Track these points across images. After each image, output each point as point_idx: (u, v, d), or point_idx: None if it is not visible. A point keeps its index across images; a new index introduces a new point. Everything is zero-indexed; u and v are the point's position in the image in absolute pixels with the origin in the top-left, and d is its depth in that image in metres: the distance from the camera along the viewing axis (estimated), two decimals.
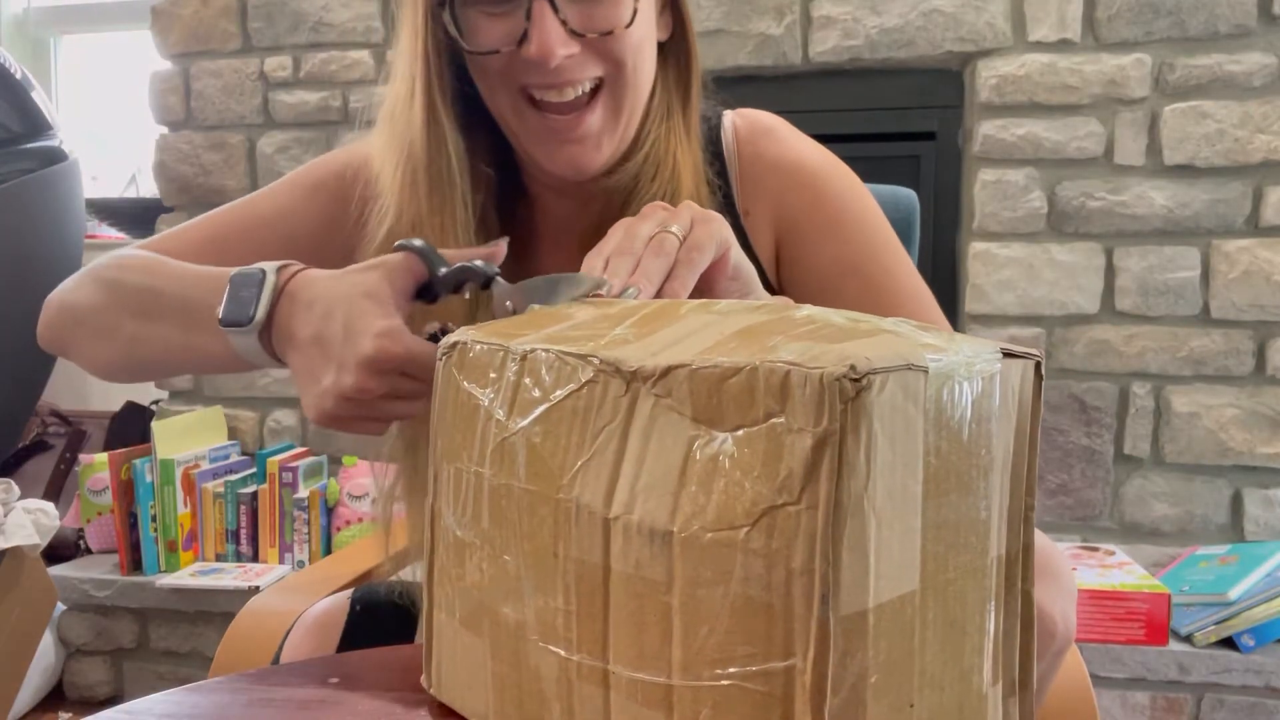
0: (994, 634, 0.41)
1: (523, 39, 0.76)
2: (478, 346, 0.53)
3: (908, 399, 0.36)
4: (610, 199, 0.84)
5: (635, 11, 0.78)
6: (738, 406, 0.38)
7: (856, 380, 0.35)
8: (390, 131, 0.84)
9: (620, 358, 0.44)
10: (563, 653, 0.46)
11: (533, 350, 0.49)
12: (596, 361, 0.45)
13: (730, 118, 0.90)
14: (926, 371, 0.37)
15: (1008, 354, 0.41)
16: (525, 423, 0.48)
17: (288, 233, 0.90)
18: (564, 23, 0.76)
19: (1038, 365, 0.42)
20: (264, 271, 0.71)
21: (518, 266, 0.85)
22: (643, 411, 0.42)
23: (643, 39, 0.81)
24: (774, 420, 0.37)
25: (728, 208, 0.87)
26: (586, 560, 0.44)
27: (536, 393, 0.48)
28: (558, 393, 0.46)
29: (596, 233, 0.83)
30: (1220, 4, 1.93)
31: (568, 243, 0.89)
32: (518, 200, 0.90)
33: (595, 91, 0.80)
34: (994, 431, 0.40)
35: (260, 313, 0.69)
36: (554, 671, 0.46)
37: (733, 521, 0.38)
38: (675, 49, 0.86)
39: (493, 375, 0.51)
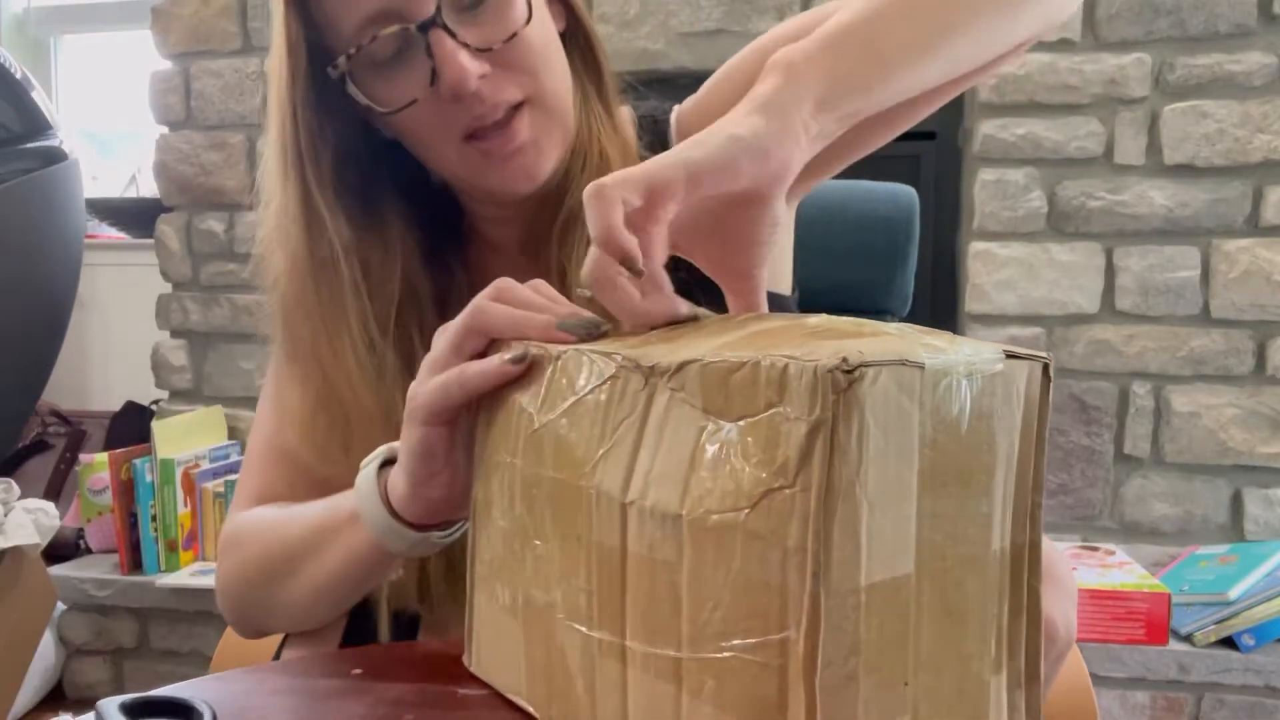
0: (997, 626, 0.43)
1: (434, 78, 0.73)
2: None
3: (902, 392, 0.38)
4: (545, 199, 0.82)
5: (530, 6, 0.76)
6: (742, 397, 0.41)
7: (849, 372, 0.37)
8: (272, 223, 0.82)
9: (641, 355, 0.47)
10: (585, 630, 0.49)
11: (565, 351, 0.53)
12: (619, 358, 0.48)
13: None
14: (922, 367, 0.39)
15: (1013, 355, 0.42)
16: (554, 416, 0.52)
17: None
18: (465, 45, 0.73)
19: (1045, 367, 0.43)
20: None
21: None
22: (659, 404, 0.45)
23: (547, 39, 0.80)
24: (774, 410, 0.39)
25: None
26: (606, 543, 0.47)
27: (566, 388, 0.52)
28: (584, 387, 0.50)
29: (531, 236, 0.84)
30: (1220, 4, 1.93)
31: (511, 253, 0.88)
32: (455, 255, 0.89)
33: (517, 108, 0.78)
34: (996, 429, 0.42)
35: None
36: (578, 648, 0.49)
37: (735, 504, 0.40)
38: (574, 34, 0.86)
39: (533, 374, 0.56)
